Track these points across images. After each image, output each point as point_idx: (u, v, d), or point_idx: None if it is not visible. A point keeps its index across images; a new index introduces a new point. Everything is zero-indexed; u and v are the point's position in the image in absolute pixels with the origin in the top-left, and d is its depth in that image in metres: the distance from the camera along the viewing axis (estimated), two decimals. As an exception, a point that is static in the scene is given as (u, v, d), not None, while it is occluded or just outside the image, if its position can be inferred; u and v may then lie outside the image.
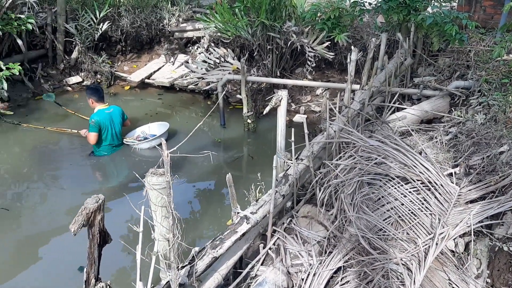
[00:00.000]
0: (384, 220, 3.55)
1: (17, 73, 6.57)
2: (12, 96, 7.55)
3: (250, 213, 3.37)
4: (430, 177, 3.76)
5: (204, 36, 8.62)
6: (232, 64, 7.89)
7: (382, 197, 3.73)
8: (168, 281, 2.75)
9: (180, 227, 2.62)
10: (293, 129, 3.84)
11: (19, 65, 6.59)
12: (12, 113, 7.10)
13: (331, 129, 4.41)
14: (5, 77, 6.32)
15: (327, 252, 3.46)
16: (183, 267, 2.83)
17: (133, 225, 2.58)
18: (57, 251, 4.54)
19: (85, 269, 3.03)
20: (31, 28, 7.44)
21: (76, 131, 6.36)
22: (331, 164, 4.07)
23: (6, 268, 4.24)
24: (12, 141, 6.46)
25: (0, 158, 6.00)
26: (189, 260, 2.92)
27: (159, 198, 2.86)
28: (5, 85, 6.32)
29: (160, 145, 5.71)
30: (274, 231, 3.69)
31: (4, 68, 6.39)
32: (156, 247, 2.84)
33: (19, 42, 7.83)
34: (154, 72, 8.75)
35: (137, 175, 2.75)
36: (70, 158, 6.11)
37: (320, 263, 3.34)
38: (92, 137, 5.95)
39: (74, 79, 8.50)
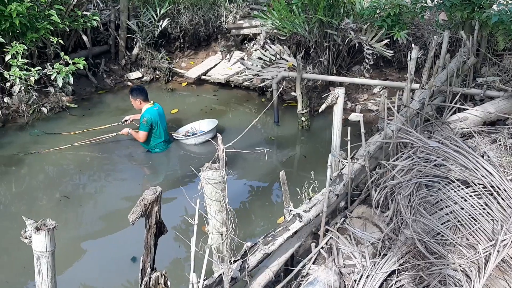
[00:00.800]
0: (442, 224, 3.43)
1: (82, 68, 6.86)
2: (76, 90, 7.90)
3: (303, 211, 3.36)
4: (492, 181, 3.58)
5: (261, 33, 8.65)
6: (287, 61, 7.88)
7: (441, 200, 3.60)
8: (221, 274, 2.78)
9: (233, 221, 2.65)
10: (349, 128, 3.78)
11: (83, 60, 6.88)
12: (76, 106, 7.44)
13: (389, 129, 4.31)
14: (71, 71, 6.62)
15: (381, 254, 3.38)
16: (235, 261, 2.86)
17: (188, 218, 2.63)
18: (113, 241, 4.71)
19: (141, 258, 3.12)
20: (95, 25, 7.75)
21: (114, 134, 6.26)
22: (388, 165, 3.97)
23: (64, 256, 4.45)
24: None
25: (63, 150, 6.24)
26: (241, 254, 2.95)
27: (213, 192, 2.90)
28: (71, 79, 6.62)
29: (211, 139, 5.81)
30: (327, 230, 3.66)
31: (70, 62, 6.70)
32: (210, 240, 2.89)
33: (84, 38, 8.19)
34: (210, 68, 8.88)
35: (193, 169, 2.80)
36: (128, 153, 6.31)
37: (374, 265, 3.27)
38: (143, 135, 6.00)
39: (134, 74, 8.78)
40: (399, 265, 3.22)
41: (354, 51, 7.79)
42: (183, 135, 6.52)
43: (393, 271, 3.22)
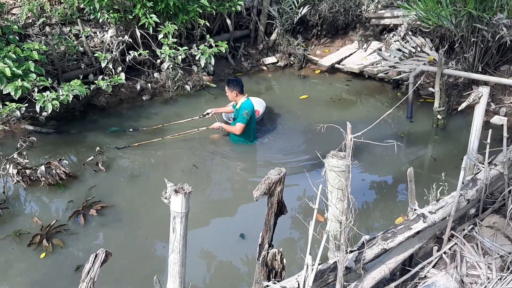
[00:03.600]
0: None
1: (224, 51, 7.27)
2: (216, 71, 8.40)
3: (428, 212, 3.23)
4: None
5: (402, 24, 8.32)
6: (428, 54, 7.49)
7: None
8: (336, 262, 2.81)
9: (353, 211, 2.65)
10: (490, 131, 3.51)
11: (226, 43, 7.28)
12: (215, 86, 7.93)
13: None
14: (213, 53, 7.06)
15: (510, 269, 3.12)
16: (351, 251, 2.87)
17: (309, 201, 2.69)
18: (225, 218, 5.00)
19: (260, 234, 3.28)
20: (239, 10, 8.12)
21: (205, 128, 6.17)
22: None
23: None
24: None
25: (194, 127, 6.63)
26: (358, 246, 2.94)
27: (336, 180, 2.92)
28: (212, 60, 7.06)
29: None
30: (452, 235, 3.47)
31: (213, 45, 7.15)
32: (328, 227, 2.92)
33: (228, 22, 8.64)
34: (345, 57, 8.79)
35: (318, 154, 2.85)
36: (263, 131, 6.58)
37: (500, 279, 3.04)
38: (241, 128, 5.88)
39: (270, 59, 9.05)
40: (532, 285, 2.96)
41: (505, 49, 7.12)
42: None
43: (523, 290, 2.97)
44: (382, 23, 9.02)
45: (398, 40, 8.19)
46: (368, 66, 8.27)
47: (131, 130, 6.43)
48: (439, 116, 6.44)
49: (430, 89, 7.22)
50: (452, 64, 7.26)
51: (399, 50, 7.83)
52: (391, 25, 8.89)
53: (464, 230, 3.57)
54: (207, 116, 6.39)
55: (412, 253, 3.44)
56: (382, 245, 2.99)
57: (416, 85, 6.81)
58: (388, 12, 8.88)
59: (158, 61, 7.34)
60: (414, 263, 3.47)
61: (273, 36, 9.07)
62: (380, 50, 8.45)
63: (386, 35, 9.08)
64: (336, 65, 8.63)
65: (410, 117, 6.87)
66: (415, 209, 3.27)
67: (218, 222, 4.89)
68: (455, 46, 7.38)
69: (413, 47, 7.74)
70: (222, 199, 5.28)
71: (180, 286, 2.54)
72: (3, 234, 4.57)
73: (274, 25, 8.95)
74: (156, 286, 2.74)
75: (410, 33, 8.23)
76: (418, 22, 7.65)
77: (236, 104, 6.05)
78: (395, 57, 7.71)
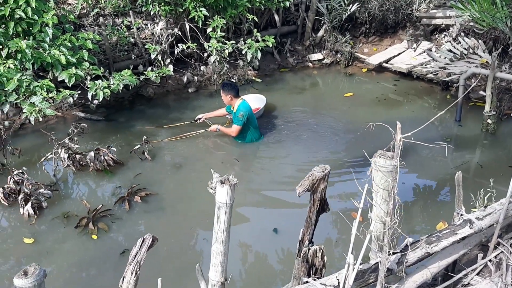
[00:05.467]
0: None
1: (270, 46, 7.29)
2: (261, 66, 8.43)
3: (476, 218, 3.15)
4: None
5: (454, 24, 8.07)
6: (481, 57, 7.24)
7: None
8: (377, 262, 2.79)
9: (398, 213, 2.62)
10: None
11: (272, 38, 7.29)
12: (260, 80, 7.97)
13: None
14: (260, 48, 7.09)
15: (562, 283, 3.01)
16: (394, 253, 2.84)
17: (353, 200, 2.68)
18: (260, 211, 5.05)
19: (301, 230, 3.29)
20: (288, 5, 8.11)
21: (203, 130, 6.19)
22: None
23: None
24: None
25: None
26: (401, 248, 2.91)
27: (382, 180, 2.90)
28: (259, 55, 7.10)
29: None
30: (499, 243, 3.36)
31: (260, 40, 7.18)
32: (371, 227, 2.90)
33: (276, 17, 8.64)
34: (393, 56, 8.62)
35: (366, 154, 2.83)
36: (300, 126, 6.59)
37: (550, 292, 2.93)
38: (237, 130, 5.93)
39: (316, 56, 8.99)
40: None
41: None
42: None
43: None
44: (433, 23, 8.78)
45: (450, 41, 7.95)
46: (417, 66, 8.09)
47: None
48: (489, 121, 6.23)
49: (481, 92, 7.01)
50: (505, 68, 7.00)
51: (450, 51, 7.60)
52: (443, 25, 8.64)
53: (511, 238, 3.46)
54: (198, 121, 6.40)
55: (456, 259, 3.37)
56: (425, 249, 2.94)
57: (469, 89, 6.60)
58: (440, 12, 8.64)
59: (205, 54, 7.44)
60: (457, 270, 3.40)
61: (321, 33, 9.00)
62: (430, 50, 8.23)
63: (437, 35, 8.84)
64: (384, 64, 8.49)
65: (459, 121, 6.68)
66: (461, 214, 3.20)
67: (253, 215, 4.94)
68: (509, 49, 7.11)
69: (465, 49, 7.50)
70: (258, 193, 5.33)
71: (221, 275, 2.59)
72: (52, 216, 4.78)
73: (322, 22, 8.88)
74: (198, 274, 2.81)
75: (462, 34, 7.98)
76: (471, 23, 7.41)
77: (232, 107, 6.06)
78: (445, 58, 7.50)
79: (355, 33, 9.37)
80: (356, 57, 8.92)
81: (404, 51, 8.75)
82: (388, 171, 2.83)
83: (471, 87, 6.46)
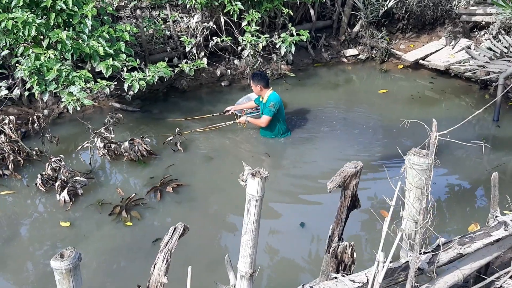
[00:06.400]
0: None
1: (305, 40, 7.25)
2: (295, 60, 8.41)
3: (511, 220, 3.06)
4: None
5: (495, 21, 7.84)
6: (522, 55, 7.01)
7: None
8: (408, 261, 2.76)
9: (431, 212, 2.58)
10: None
11: (307, 32, 7.24)
12: (293, 75, 7.95)
13: None
14: (294, 42, 7.06)
15: None
16: (425, 252, 2.80)
17: (385, 197, 2.65)
18: (287, 205, 5.05)
19: (331, 226, 3.28)
20: (323, 0, 8.04)
21: (231, 122, 6.20)
22: None
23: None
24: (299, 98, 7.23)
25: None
26: (433, 248, 2.86)
27: (416, 178, 2.85)
28: (293, 49, 7.07)
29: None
30: (535, 247, 3.27)
31: (295, 34, 7.15)
32: (403, 225, 2.87)
33: (311, 11, 8.59)
34: (431, 53, 8.44)
35: (400, 151, 2.79)
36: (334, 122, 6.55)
37: None
38: (267, 120, 5.89)
39: (351, 51, 8.89)
40: None
41: None
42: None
43: None
44: (473, 20, 8.55)
45: (489, 39, 7.73)
46: (455, 64, 7.89)
47: None
48: (529, 122, 6.04)
49: (522, 92, 6.80)
50: (549, 67, 6.75)
51: (490, 49, 7.38)
52: (483, 22, 8.41)
53: (549, 243, 3.35)
54: (226, 113, 6.42)
55: (489, 261, 3.29)
56: (458, 250, 2.88)
57: (508, 88, 6.40)
58: (480, 8, 8.41)
59: (239, 48, 7.47)
60: (490, 272, 3.31)
61: (356, 28, 8.90)
62: (469, 48, 8.02)
63: (476, 32, 8.62)
64: (421, 61, 8.32)
65: (497, 121, 6.49)
66: (496, 216, 3.12)
67: (280, 208, 4.95)
68: (554, 47, 6.86)
69: (505, 47, 7.26)
70: (287, 187, 5.33)
71: (250, 267, 2.61)
72: (87, 203, 4.92)
73: (358, 17, 8.78)
74: (227, 265, 2.84)
75: (503, 32, 7.74)
76: (514, 21, 7.19)
77: (262, 98, 6.02)
78: (485, 56, 7.29)
79: (391, 29, 9.21)
80: (392, 53, 8.78)
81: (442, 48, 8.55)
82: (422, 169, 2.79)
83: (510, 86, 6.25)
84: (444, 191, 5.11)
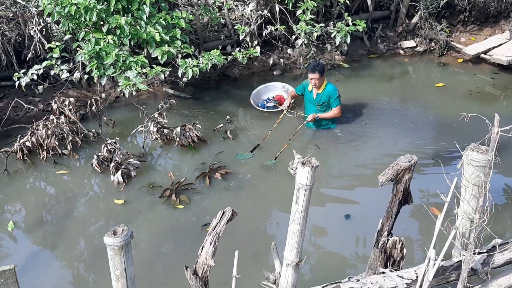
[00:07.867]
0: None
1: (361, 30, 7.09)
2: (349, 51, 8.22)
3: None
4: None
5: None
6: None
7: None
8: (460, 260, 2.66)
9: (488, 211, 2.47)
10: None
11: (364, 22, 7.07)
12: (347, 66, 7.79)
13: None
14: (350, 32, 6.91)
15: None
16: (480, 252, 2.69)
17: (441, 193, 2.56)
18: (333, 197, 5.00)
19: (381, 220, 3.22)
20: (381, -10, 7.82)
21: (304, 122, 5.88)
22: None
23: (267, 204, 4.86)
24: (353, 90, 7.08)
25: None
26: (488, 248, 2.75)
27: (473, 175, 2.74)
28: (348, 39, 6.93)
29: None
30: None
31: (351, 24, 7.00)
32: (457, 223, 2.76)
33: (368, 1, 8.36)
34: (493, 47, 8.03)
35: (457, 146, 2.68)
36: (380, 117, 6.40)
37: None
38: (340, 109, 5.90)
39: (408, 43, 8.61)
40: None
41: None
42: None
43: None
44: (542, 12, 8.07)
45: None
46: (520, 59, 7.49)
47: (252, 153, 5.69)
48: None
49: None
50: None
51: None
52: (553, 15, 7.92)
53: None
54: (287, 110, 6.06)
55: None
56: (515, 252, 2.76)
57: None
58: (551, 0, 7.92)
59: (293, 37, 7.40)
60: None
61: (415, 19, 8.59)
62: (536, 42, 7.60)
63: (545, 26, 8.13)
64: (482, 55, 7.94)
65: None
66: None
67: (327, 199, 4.91)
68: None
69: None
70: (335, 178, 5.29)
71: (296, 255, 2.61)
72: (139, 184, 5.07)
73: (417, 8, 8.46)
74: (273, 252, 2.85)
75: None
76: None
77: (318, 88, 5.90)
78: (554, 51, 6.88)
79: (452, 21, 8.82)
80: (451, 46, 8.42)
81: (505, 42, 8.12)
82: (480, 166, 2.67)
83: None
84: (502, 190, 4.89)
